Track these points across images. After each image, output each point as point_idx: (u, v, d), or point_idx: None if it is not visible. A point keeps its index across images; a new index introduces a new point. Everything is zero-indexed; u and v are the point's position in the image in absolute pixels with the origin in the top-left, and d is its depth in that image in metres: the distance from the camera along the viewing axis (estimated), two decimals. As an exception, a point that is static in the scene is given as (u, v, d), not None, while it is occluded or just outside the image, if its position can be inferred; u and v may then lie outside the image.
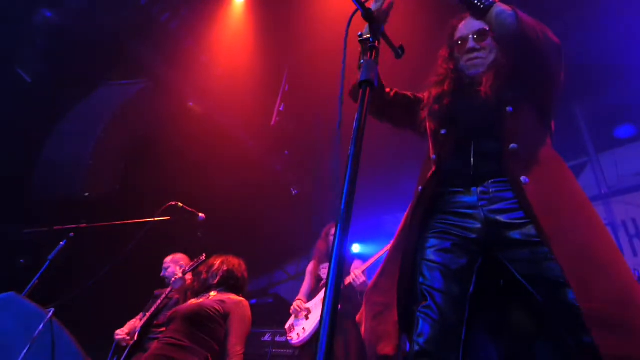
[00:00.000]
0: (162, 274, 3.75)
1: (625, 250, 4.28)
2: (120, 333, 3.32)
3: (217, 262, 2.86)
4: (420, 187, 1.49)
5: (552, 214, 1.24)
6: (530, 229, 1.28)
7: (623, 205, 4.57)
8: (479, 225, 1.37)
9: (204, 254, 3.30)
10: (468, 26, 1.64)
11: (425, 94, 1.73)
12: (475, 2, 1.32)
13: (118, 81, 4.26)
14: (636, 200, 4.49)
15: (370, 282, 1.52)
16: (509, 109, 1.43)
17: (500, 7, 1.31)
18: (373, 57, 1.15)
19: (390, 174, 5.94)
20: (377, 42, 1.19)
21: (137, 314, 3.58)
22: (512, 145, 1.36)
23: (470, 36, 1.61)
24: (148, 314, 3.39)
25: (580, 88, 4.39)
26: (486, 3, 1.32)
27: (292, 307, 3.83)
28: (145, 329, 3.34)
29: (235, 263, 2.88)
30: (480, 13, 1.34)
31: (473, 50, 1.59)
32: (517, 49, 1.35)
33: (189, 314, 2.45)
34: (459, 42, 1.65)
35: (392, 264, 1.46)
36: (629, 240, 4.36)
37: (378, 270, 1.52)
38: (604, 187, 4.79)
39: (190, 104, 4.87)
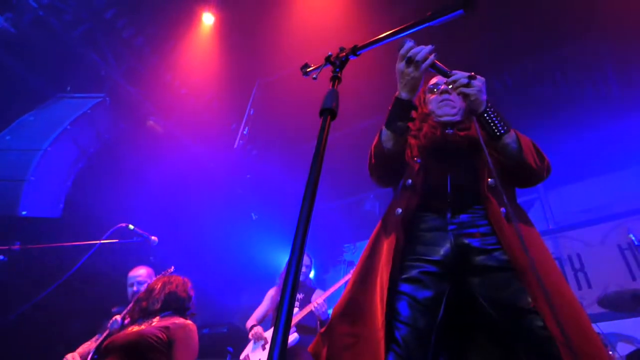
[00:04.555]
0: (135, 289, 3.28)
1: (570, 284, 4.49)
2: (70, 358, 2.97)
3: (158, 286, 2.61)
4: (397, 210, 1.51)
5: (524, 245, 1.30)
6: (499, 255, 1.34)
7: (569, 240, 4.82)
8: (447, 248, 1.41)
9: (172, 267, 3.05)
10: (441, 79, 1.81)
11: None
12: (493, 128, 1.46)
13: (72, 94, 4.05)
14: (581, 236, 4.76)
15: (334, 311, 1.46)
16: (485, 150, 1.53)
17: (509, 137, 1.47)
18: (335, 86, 1.18)
19: (353, 200, 5.98)
20: (340, 72, 1.23)
21: (87, 335, 3.24)
22: (490, 181, 1.46)
23: (444, 83, 1.76)
24: (104, 335, 2.99)
25: (532, 129, 4.69)
26: (502, 131, 1.46)
27: (251, 333, 3.70)
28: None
29: (178, 283, 2.65)
30: (494, 137, 1.49)
31: (446, 91, 1.72)
32: (514, 169, 1.52)
33: (127, 344, 2.23)
34: (433, 87, 1.80)
35: (361, 288, 1.44)
36: (574, 274, 4.58)
37: (343, 297, 1.47)
38: (551, 223, 5.05)
39: (151, 122, 4.72)
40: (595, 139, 4.73)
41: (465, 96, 1.46)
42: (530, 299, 1.23)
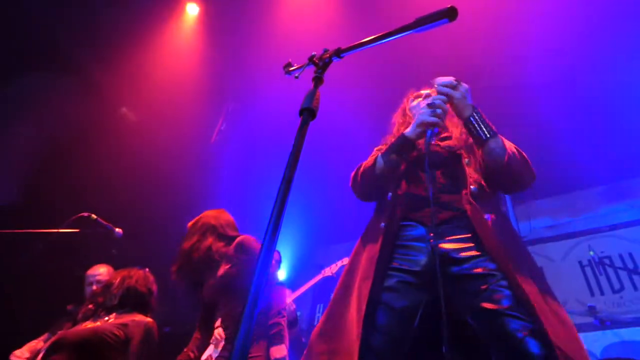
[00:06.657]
0: (94, 289, 3.00)
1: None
2: (20, 355, 2.76)
3: (117, 280, 2.43)
4: (381, 225, 1.50)
5: (510, 251, 1.33)
6: (478, 263, 1.33)
7: (533, 255, 4.98)
8: (426, 259, 1.40)
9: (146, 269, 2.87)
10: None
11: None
12: (480, 132, 1.48)
13: (39, 75, 3.85)
14: (544, 251, 4.94)
15: (313, 332, 1.43)
16: (465, 160, 1.56)
17: (495, 142, 1.46)
18: (317, 87, 1.15)
19: (328, 203, 5.96)
20: (322, 73, 1.21)
21: (36, 335, 3.04)
22: (473, 188, 1.47)
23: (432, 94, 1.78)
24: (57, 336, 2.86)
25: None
26: (488, 136, 1.47)
27: (212, 337, 3.60)
28: None
29: (138, 277, 2.48)
30: (479, 142, 1.50)
31: (429, 97, 1.74)
32: (499, 174, 1.51)
33: (79, 341, 2.06)
34: (417, 97, 1.86)
35: (339, 305, 1.41)
36: (536, 287, 4.73)
37: (322, 316, 1.44)
38: (518, 237, 5.21)
39: (124, 109, 4.55)
40: (563, 158, 4.90)
41: (449, 99, 1.51)
42: (510, 302, 1.24)
